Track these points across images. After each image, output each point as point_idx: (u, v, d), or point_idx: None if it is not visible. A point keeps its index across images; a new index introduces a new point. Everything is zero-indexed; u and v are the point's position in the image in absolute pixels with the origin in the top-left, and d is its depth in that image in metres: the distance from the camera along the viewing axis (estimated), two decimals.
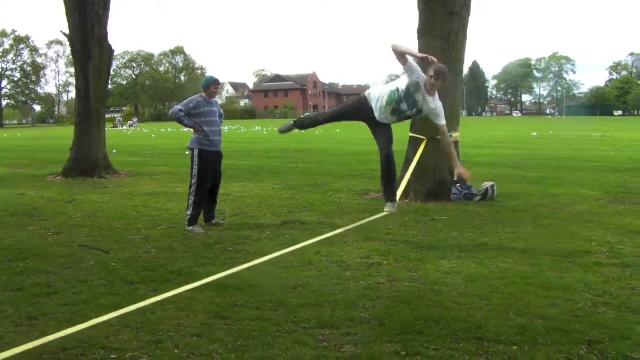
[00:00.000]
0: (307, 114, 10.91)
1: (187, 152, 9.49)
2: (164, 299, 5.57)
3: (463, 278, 6.36)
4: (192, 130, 9.26)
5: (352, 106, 8.44)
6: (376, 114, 7.92)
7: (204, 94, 9.35)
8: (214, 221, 9.46)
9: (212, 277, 6.14)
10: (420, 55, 7.77)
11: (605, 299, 5.62)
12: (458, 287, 6.06)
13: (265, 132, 50.56)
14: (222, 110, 9.73)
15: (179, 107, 9.23)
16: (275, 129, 11.45)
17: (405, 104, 7.71)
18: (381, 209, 8.67)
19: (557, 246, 7.70)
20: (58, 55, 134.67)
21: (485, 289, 5.98)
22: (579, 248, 7.57)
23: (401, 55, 7.61)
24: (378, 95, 7.88)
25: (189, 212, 9.10)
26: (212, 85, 9.36)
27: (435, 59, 7.59)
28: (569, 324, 4.96)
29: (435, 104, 7.77)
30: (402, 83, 7.74)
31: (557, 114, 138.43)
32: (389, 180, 8.32)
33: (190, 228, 8.97)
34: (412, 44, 7.68)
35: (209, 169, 9.23)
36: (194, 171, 9.15)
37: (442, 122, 7.92)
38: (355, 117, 8.40)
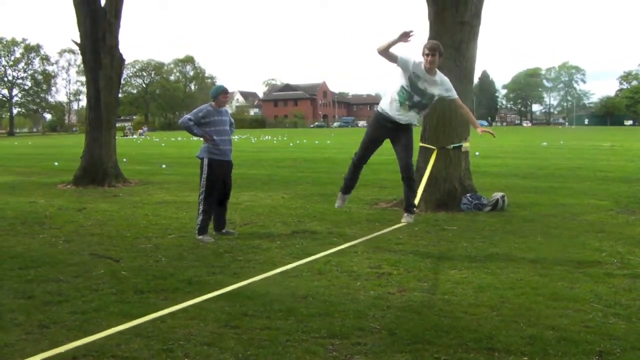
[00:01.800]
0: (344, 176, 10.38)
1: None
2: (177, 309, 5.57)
3: (473, 288, 6.34)
4: (201, 139, 9.24)
5: (371, 127, 8.19)
6: (398, 118, 7.77)
7: (213, 103, 9.33)
8: (224, 230, 9.45)
9: (232, 285, 6.10)
10: (397, 37, 7.37)
11: (615, 310, 5.60)
12: (468, 297, 6.04)
13: (275, 141, 50.64)
14: (232, 119, 9.79)
15: (188, 116, 9.22)
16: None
17: (416, 96, 7.64)
18: (392, 218, 8.66)
19: (567, 256, 7.68)
20: (69, 64, 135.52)
21: (495, 299, 5.96)
22: (589, 258, 7.55)
23: (387, 54, 7.54)
24: (389, 102, 7.79)
25: (198, 221, 9.08)
26: (221, 95, 9.35)
27: (411, 30, 7.31)
28: (579, 334, 4.95)
29: (440, 81, 7.72)
30: (403, 79, 7.69)
31: (566, 123, 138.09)
32: (408, 191, 8.25)
33: (200, 237, 8.97)
34: (389, 37, 7.54)
35: (218, 178, 9.22)
36: (202, 180, 9.16)
37: (454, 94, 7.90)
38: (379, 136, 8.17)
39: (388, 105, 7.83)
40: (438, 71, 7.72)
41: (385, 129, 7.93)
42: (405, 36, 7.29)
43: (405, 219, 8.28)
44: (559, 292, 6.13)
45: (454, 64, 11.37)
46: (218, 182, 9.25)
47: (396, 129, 7.85)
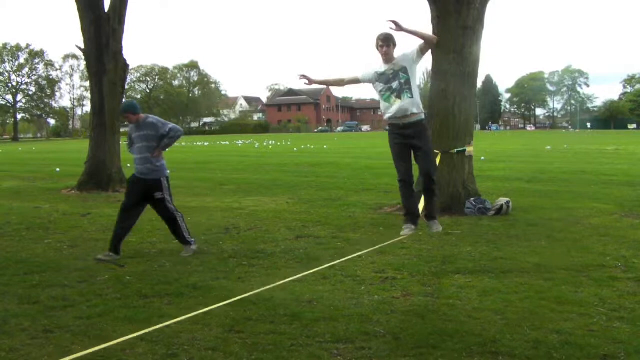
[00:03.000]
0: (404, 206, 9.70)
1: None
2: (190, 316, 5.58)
3: (477, 292, 6.35)
4: (158, 152, 8.56)
5: (390, 142, 7.62)
6: (396, 113, 7.31)
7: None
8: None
9: (246, 293, 6.14)
10: (328, 80, 8.05)
11: (620, 314, 5.60)
12: (472, 302, 6.05)
13: (275, 145, 50.70)
14: (165, 130, 8.59)
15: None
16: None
17: (393, 83, 7.29)
18: (395, 222, 8.63)
19: (571, 260, 7.67)
20: (73, 70, 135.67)
21: (499, 303, 5.97)
22: (594, 262, 7.54)
23: (346, 83, 7.87)
24: (385, 109, 7.51)
25: (185, 234, 8.61)
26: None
27: (304, 81, 7.71)
28: (583, 338, 4.95)
29: (401, 57, 7.36)
30: (375, 87, 7.54)
31: (570, 127, 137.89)
32: (427, 199, 7.70)
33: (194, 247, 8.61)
34: (331, 75, 7.65)
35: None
36: (167, 197, 8.72)
37: (415, 47, 7.40)
38: (399, 146, 7.54)
39: (386, 112, 7.55)
40: (397, 55, 7.42)
41: (399, 136, 7.45)
42: (304, 78, 7.69)
43: (435, 228, 7.71)
44: (563, 296, 6.13)
45: (457, 68, 11.40)
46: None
47: (408, 134, 7.37)
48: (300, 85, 13.28)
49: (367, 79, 7.56)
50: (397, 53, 7.41)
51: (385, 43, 7.24)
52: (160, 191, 8.56)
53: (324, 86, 7.52)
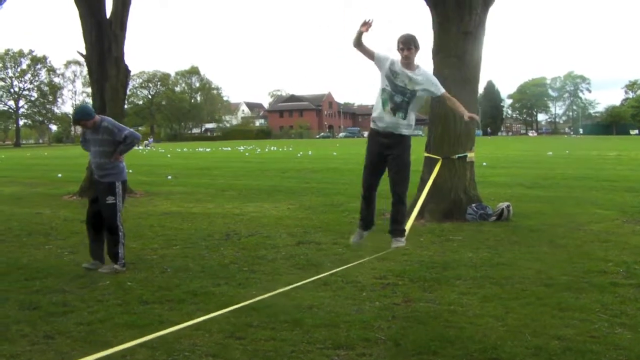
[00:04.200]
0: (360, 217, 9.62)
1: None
2: (196, 323, 5.58)
3: (478, 298, 6.34)
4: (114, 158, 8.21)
5: (367, 145, 7.11)
6: (385, 126, 6.83)
7: None
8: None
9: (253, 299, 6.13)
10: (360, 26, 6.82)
11: (621, 320, 5.59)
12: (473, 308, 6.04)
13: (275, 150, 50.73)
14: (123, 136, 8.20)
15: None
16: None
17: (398, 96, 6.75)
18: None
19: (572, 266, 7.66)
20: (75, 75, 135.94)
21: (500, 309, 5.96)
22: (595, 268, 7.53)
23: (363, 49, 6.94)
24: (375, 110, 7.02)
25: (121, 251, 8.06)
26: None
27: (369, 19, 6.82)
28: (585, 344, 4.94)
29: (423, 76, 6.84)
30: (382, 80, 6.94)
31: (572, 133, 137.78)
32: (395, 214, 7.18)
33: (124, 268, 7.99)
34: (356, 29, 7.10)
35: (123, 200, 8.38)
36: (119, 204, 8.24)
37: (441, 89, 6.94)
38: (376, 156, 7.01)
39: (377, 115, 7.00)
40: (420, 67, 6.91)
41: (380, 145, 6.92)
42: (365, 25, 6.78)
43: (395, 244, 7.10)
44: (564, 302, 6.12)
45: (458, 73, 11.40)
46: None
47: (391, 145, 6.85)
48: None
49: (377, 61, 6.95)
50: (423, 69, 6.91)
51: (406, 45, 6.69)
52: (112, 195, 8.12)
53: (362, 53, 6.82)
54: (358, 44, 6.90)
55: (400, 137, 6.83)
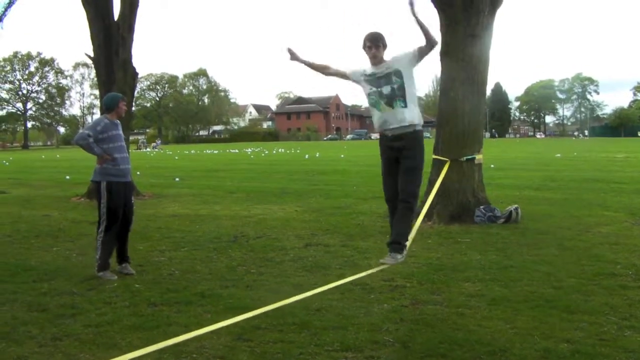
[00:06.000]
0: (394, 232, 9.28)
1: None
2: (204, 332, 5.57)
3: (487, 301, 6.32)
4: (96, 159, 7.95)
5: (381, 157, 6.67)
6: (390, 127, 6.37)
7: (108, 115, 7.99)
8: (124, 264, 8.03)
9: (264, 308, 6.12)
10: (302, 63, 6.86)
11: (631, 322, 5.56)
12: (482, 310, 6.02)
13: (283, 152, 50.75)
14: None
15: (86, 131, 7.85)
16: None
17: (385, 87, 6.32)
18: None
19: (581, 268, 7.63)
20: (83, 78, 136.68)
21: (509, 311, 5.94)
22: (604, 270, 7.50)
23: (333, 74, 6.87)
24: (374, 117, 6.64)
25: (97, 257, 7.76)
26: (120, 102, 7.96)
27: (291, 52, 6.85)
28: (594, 347, 4.92)
29: (392, 57, 6.43)
30: (364, 89, 6.57)
31: (580, 135, 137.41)
32: (398, 220, 6.44)
33: (101, 274, 7.66)
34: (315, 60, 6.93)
35: (119, 204, 7.87)
36: (102, 208, 7.80)
37: (413, 49, 6.37)
38: (389, 162, 6.57)
39: (375, 121, 6.62)
40: (389, 57, 6.48)
41: (389, 149, 6.51)
42: (294, 58, 6.85)
43: (388, 260, 6.25)
44: (573, 305, 6.09)
45: (466, 76, 11.39)
46: (119, 209, 7.89)
47: (397, 147, 6.38)
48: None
49: (354, 78, 6.66)
50: (389, 55, 6.51)
51: (374, 43, 6.36)
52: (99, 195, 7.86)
53: (315, 71, 6.69)
54: (325, 73, 6.86)
55: (411, 135, 6.33)
